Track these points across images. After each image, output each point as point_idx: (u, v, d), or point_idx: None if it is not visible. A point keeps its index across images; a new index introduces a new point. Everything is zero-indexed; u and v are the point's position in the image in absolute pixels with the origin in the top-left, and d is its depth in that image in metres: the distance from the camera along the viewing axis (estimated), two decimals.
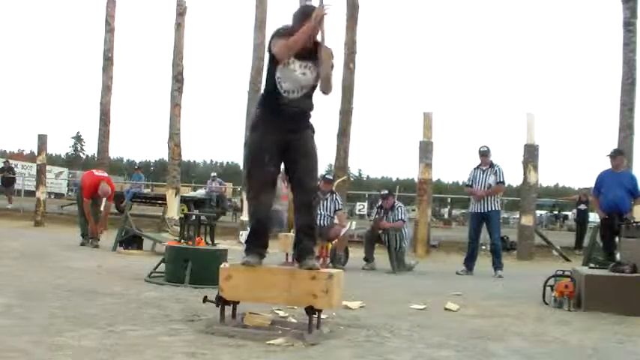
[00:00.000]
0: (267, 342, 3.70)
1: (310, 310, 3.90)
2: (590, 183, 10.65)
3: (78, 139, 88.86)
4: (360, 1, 15.28)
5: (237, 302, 4.17)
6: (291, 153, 4.17)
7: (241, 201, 16.47)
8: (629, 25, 13.40)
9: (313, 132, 4.29)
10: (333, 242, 9.37)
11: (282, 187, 9.25)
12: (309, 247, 4.14)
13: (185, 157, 19.42)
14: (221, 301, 4.08)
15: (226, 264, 4.25)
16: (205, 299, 4.21)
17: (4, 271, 6.39)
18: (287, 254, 8.25)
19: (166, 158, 17.09)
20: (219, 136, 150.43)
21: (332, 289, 3.89)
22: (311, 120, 4.29)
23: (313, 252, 4.15)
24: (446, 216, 36.48)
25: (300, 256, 4.12)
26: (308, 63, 4.12)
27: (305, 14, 4.05)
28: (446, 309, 5.53)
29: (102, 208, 10.81)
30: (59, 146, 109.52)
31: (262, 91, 4.42)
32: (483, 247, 10.91)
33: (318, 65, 4.12)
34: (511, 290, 7.38)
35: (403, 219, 9.84)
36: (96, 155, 18.75)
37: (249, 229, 4.50)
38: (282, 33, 4.10)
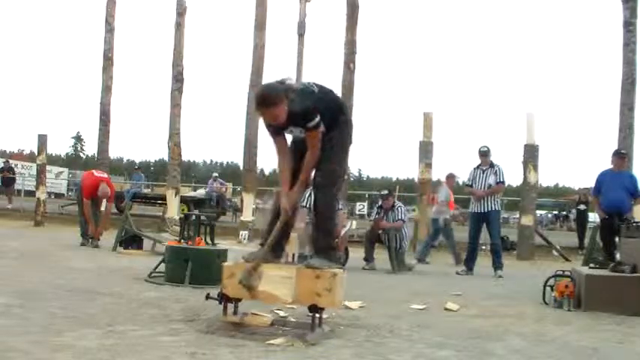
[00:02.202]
0: (267, 342, 3.70)
1: (313, 309, 3.90)
2: (590, 183, 10.67)
3: (78, 139, 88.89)
4: (360, 1, 15.30)
5: (240, 300, 4.17)
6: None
7: (241, 201, 16.47)
8: (629, 25, 13.41)
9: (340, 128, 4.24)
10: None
11: None
12: (316, 244, 4.15)
13: (185, 157, 19.41)
14: (224, 299, 4.08)
15: (230, 261, 4.25)
16: (208, 296, 4.22)
17: (4, 271, 6.39)
18: (287, 254, 8.23)
19: (166, 158, 17.09)
20: (219, 136, 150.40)
21: (335, 288, 3.91)
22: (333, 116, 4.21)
23: (321, 250, 4.11)
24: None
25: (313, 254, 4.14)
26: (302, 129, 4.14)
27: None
28: (446, 309, 5.53)
29: (102, 209, 10.80)
30: (59, 146, 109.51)
31: None
32: (483, 247, 10.91)
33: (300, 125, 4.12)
34: (511, 290, 7.39)
35: (403, 219, 9.84)
36: (96, 155, 18.77)
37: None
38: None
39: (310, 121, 4.06)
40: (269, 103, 4.00)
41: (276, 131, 4.18)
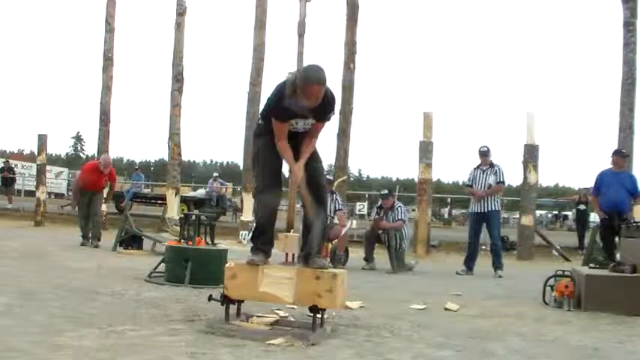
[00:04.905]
0: (267, 342, 3.70)
1: (314, 310, 3.90)
2: (590, 183, 10.66)
3: (78, 139, 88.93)
4: (360, 1, 15.28)
5: (242, 301, 4.17)
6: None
7: (241, 201, 16.47)
8: (629, 25, 13.39)
9: None
10: (334, 242, 9.37)
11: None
12: (318, 248, 4.15)
13: (185, 157, 19.39)
14: (226, 300, 4.08)
15: (232, 263, 4.25)
16: (210, 298, 4.22)
17: (4, 271, 6.39)
18: (286, 254, 8.24)
19: (166, 158, 17.08)
20: (219, 136, 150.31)
21: (336, 289, 3.91)
22: None
23: (318, 252, 4.11)
24: (446, 216, 36.48)
25: (308, 256, 4.11)
26: (308, 120, 4.16)
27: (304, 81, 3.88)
28: (446, 309, 5.54)
29: (101, 209, 10.78)
30: (59, 146, 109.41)
31: (262, 112, 4.42)
32: (483, 247, 10.91)
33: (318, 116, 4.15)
34: (511, 290, 7.39)
35: (403, 219, 9.84)
36: (96, 155, 18.75)
37: (253, 227, 4.50)
38: (275, 105, 4.09)
39: (332, 112, 4.15)
40: (325, 81, 3.97)
41: (288, 117, 4.10)
